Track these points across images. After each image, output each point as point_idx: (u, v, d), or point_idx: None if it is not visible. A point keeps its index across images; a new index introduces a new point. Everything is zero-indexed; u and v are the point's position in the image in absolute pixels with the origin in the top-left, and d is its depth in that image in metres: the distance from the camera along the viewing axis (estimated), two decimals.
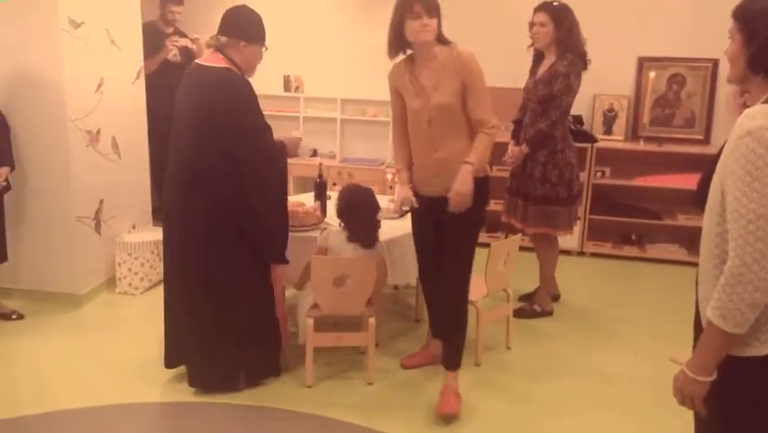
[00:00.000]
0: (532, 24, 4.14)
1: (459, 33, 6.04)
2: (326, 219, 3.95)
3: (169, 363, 3.48)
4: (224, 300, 3.30)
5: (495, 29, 5.90)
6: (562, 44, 4.06)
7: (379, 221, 3.58)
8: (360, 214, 3.50)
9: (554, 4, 4.07)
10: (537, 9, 4.12)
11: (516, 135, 4.37)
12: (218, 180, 3.16)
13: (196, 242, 3.25)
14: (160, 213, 5.64)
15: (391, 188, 4.72)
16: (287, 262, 3.43)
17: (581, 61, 4.09)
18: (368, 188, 3.64)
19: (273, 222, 3.33)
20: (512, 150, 4.29)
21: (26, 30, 4.10)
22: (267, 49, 3.35)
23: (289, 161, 6.21)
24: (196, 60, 3.38)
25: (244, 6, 3.30)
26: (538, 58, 4.27)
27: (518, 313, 4.30)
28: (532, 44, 4.23)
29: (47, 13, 4.06)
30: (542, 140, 4.12)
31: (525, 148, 4.18)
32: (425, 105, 3.16)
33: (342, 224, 3.56)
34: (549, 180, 4.15)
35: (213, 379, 3.40)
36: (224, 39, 3.21)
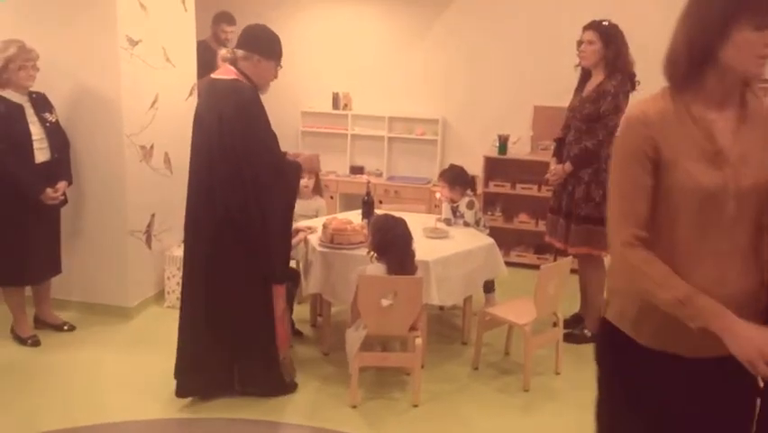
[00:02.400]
0: (580, 43, 4.09)
1: (503, 51, 6.00)
2: (372, 240, 3.93)
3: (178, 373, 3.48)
4: (222, 314, 3.33)
5: (539, 48, 5.86)
6: (611, 64, 4.00)
7: (414, 250, 3.53)
8: (396, 246, 3.45)
9: (604, 23, 4.02)
10: (586, 27, 4.07)
11: (558, 153, 4.31)
12: (226, 192, 3.21)
13: (202, 255, 3.30)
14: None
15: (437, 206, 4.69)
16: (282, 282, 3.44)
17: (630, 82, 4.02)
18: (400, 217, 3.59)
19: (271, 239, 3.31)
20: (554, 168, 4.24)
21: (86, 48, 4.21)
22: (281, 67, 3.41)
23: (335, 178, 6.28)
24: (210, 75, 3.45)
25: (265, 25, 3.39)
26: (585, 77, 4.21)
27: (568, 338, 4.21)
28: (579, 63, 4.17)
29: (106, 32, 4.16)
30: (587, 158, 4.05)
31: (568, 166, 4.12)
32: (729, 184, 1.72)
33: (378, 256, 3.51)
34: (593, 200, 4.07)
35: (207, 389, 3.43)
36: (240, 52, 3.30)
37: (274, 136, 3.36)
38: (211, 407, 3.42)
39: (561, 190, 4.25)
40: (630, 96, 4.02)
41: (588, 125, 4.05)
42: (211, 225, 3.26)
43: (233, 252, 3.28)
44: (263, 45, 3.29)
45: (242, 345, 3.40)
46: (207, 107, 3.29)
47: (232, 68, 3.30)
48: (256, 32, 3.34)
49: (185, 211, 3.41)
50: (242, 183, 3.19)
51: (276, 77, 3.39)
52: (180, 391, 3.43)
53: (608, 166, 4.05)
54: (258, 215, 3.23)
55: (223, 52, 3.33)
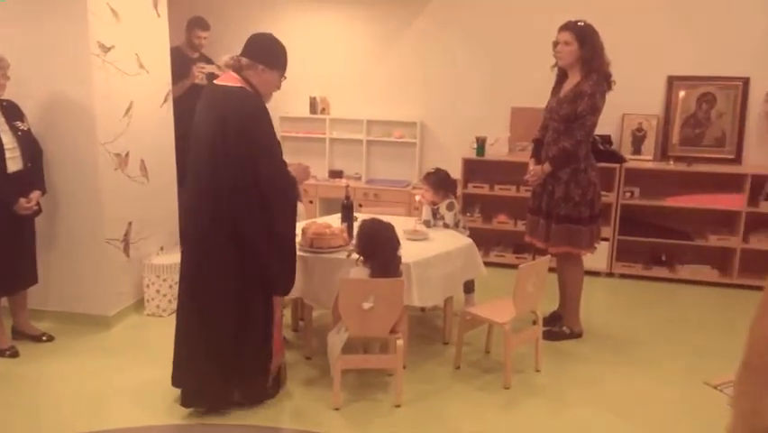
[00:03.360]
0: (556, 43, 4.13)
1: (480, 54, 6.09)
2: (353, 241, 3.94)
3: (176, 381, 3.43)
4: (221, 323, 3.28)
5: (515, 50, 5.91)
6: (587, 64, 4.04)
7: (400, 256, 3.54)
8: (381, 251, 3.45)
9: (579, 23, 4.06)
10: (562, 28, 4.11)
11: (536, 154, 4.34)
12: (229, 199, 3.16)
13: (201, 262, 3.25)
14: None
15: (416, 209, 4.71)
16: (286, 294, 3.43)
17: (606, 82, 4.07)
18: (388, 223, 3.58)
19: (269, 252, 3.25)
20: (533, 169, 4.27)
21: (57, 54, 4.17)
22: (286, 78, 3.38)
23: (314, 182, 6.25)
24: (214, 81, 3.41)
25: (271, 34, 3.35)
26: (561, 77, 4.25)
27: (548, 335, 4.24)
28: (556, 64, 4.21)
29: (77, 38, 4.13)
30: (565, 158, 4.09)
31: (547, 167, 4.15)
32: None
33: (363, 259, 3.51)
34: (572, 199, 4.11)
35: (204, 398, 3.39)
36: (244, 60, 3.26)
37: (279, 146, 3.33)
38: (192, 413, 3.40)
39: (540, 191, 4.28)
40: (606, 96, 4.07)
41: (566, 126, 4.08)
42: (212, 231, 3.20)
43: (235, 259, 3.22)
44: (268, 55, 3.26)
45: (240, 355, 3.33)
46: (211, 113, 3.22)
47: (236, 75, 3.26)
48: (262, 42, 3.30)
49: (181, 218, 3.37)
50: (245, 191, 3.15)
51: (279, 87, 3.35)
52: (185, 402, 3.39)
53: (586, 166, 4.13)
54: (262, 222, 3.18)
55: (225, 59, 3.29)
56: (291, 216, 3.36)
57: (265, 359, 3.43)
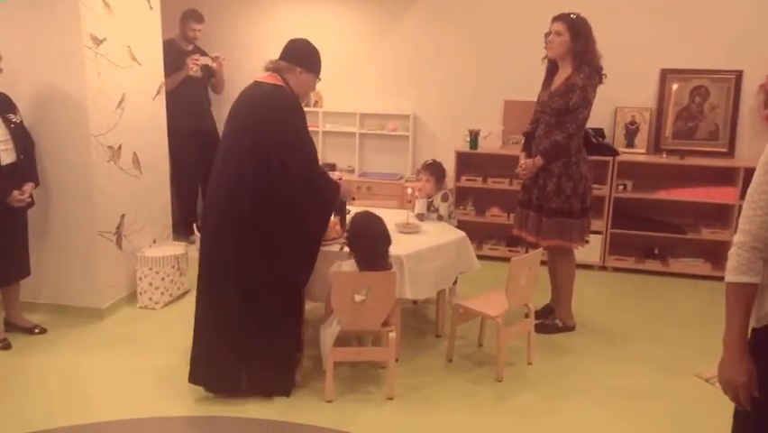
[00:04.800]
0: (548, 34, 4.13)
1: (472, 46, 6.07)
2: (346, 234, 3.94)
3: (197, 377, 3.50)
4: (251, 314, 3.39)
5: (508, 42, 5.91)
6: (578, 56, 4.04)
7: (388, 250, 3.53)
8: (366, 243, 3.46)
9: (572, 15, 4.06)
10: (554, 19, 4.11)
11: (527, 147, 4.35)
12: (258, 192, 3.29)
13: (231, 250, 3.36)
14: (179, 228, 5.71)
15: (409, 201, 4.71)
16: (295, 289, 3.54)
17: (597, 75, 4.07)
18: (378, 217, 3.58)
19: (294, 252, 3.40)
20: (525, 162, 4.27)
21: (49, 47, 4.15)
22: (320, 80, 3.64)
23: None
24: (255, 79, 3.55)
25: (307, 40, 3.60)
26: (552, 70, 4.25)
27: (540, 328, 4.25)
28: (546, 56, 4.21)
29: (70, 31, 4.11)
30: (557, 152, 4.09)
31: (538, 160, 4.16)
32: None
33: (350, 251, 3.52)
34: (563, 193, 4.11)
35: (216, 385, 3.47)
36: (283, 63, 3.49)
37: (313, 146, 3.52)
38: (188, 405, 3.41)
39: (531, 184, 4.28)
40: (597, 89, 4.07)
41: (557, 119, 4.09)
42: (242, 224, 3.32)
43: (263, 253, 3.35)
44: (306, 58, 3.52)
45: (263, 346, 3.43)
46: (251, 107, 3.41)
47: (276, 75, 3.46)
48: (300, 46, 3.55)
49: (207, 208, 3.51)
50: (275, 182, 3.30)
51: (314, 89, 3.63)
52: (193, 378, 3.49)
53: (578, 159, 4.14)
54: (288, 215, 3.34)
55: (266, 63, 3.49)
56: (322, 214, 3.51)
57: (292, 350, 3.55)
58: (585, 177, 4.15)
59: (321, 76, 3.63)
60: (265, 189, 3.30)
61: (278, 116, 3.36)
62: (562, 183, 4.11)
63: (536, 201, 4.23)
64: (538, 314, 4.40)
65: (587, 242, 4.34)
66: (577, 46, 4.03)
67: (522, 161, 4.31)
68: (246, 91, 3.50)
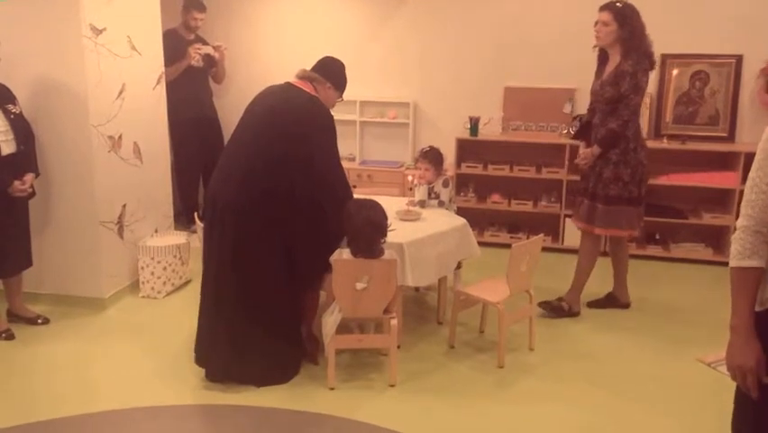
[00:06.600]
0: (596, 23, 4.15)
1: (473, 34, 6.04)
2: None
3: (199, 360, 3.56)
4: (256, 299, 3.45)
5: (508, 29, 5.88)
6: (626, 44, 4.05)
7: (384, 239, 3.53)
8: (357, 229, 3.45)
9: (618, 3, 4.07)
10: (601, 8, 4.13)
11: (586, 137, 4.36)
12: (279, 185, 3.38)
13: (240, 244, 3.39)
14: (181, 217, 5.72)
15: (410, 189, 4.71)
16: (314, 290, 3.68)
17: (648, 60, 4.08)
18: (376, 204, 3.56)
19: (311, 254, 3.50)
20: (584, 151, 4.28)
21: (48, 37, 4.14)
22: (342, 100, 3.87)
23: None
24: (289, 81, 3.66)
25: (341, 61, 3.82)
26: (603, 59, 4.27)
27: (545, 306, 4.33)
28: (596, 45, 4.22)
29: (69, 20, 4.10)
30: (613, 139, 4.10)
31: (596, 149, 4.17)
32: None
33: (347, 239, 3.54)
34: (621, 179, 4.13)
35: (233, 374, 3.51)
36: (316, 75, 3.69)
37: (337, 155, 3.74)
38: (191, 394, 3.43)
39: (588, 172, 4.29)
40: (649, 74, 4.10)
41: (611, 107, 4.11)
42: (255, 215, 3.39)
43: (270, 248, 3.43)
44: (336, 77, 3.76)
45: (255, 337, 3.47)
46: (285, 108, 3.52)
47: (309, 83, 3.65)
48: (333, 65, 3.80)
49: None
50: (295, 184, 3.40)
51: (334, 106, 3.79)
52: (199, 362, 3.57)
53: (636, 145, 4.14)
54: (309, 216, 3.44)
55: (299, 72, 3.73)
56: (340, 223, 3.54)
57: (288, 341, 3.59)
58: (642, 163, 4.17)
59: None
60: (284, 188, 3.38)
61: (321, 124, 3.55)
62: (619, 170, 4.12)
63: (591, 189, 4.24)
64: (601, 302, 4.53)
65: (641, 228, 4.37)
66: (624, 34, 4.04)
67: (581, 150, 4.32)
68: (280, 92, 3.61)
